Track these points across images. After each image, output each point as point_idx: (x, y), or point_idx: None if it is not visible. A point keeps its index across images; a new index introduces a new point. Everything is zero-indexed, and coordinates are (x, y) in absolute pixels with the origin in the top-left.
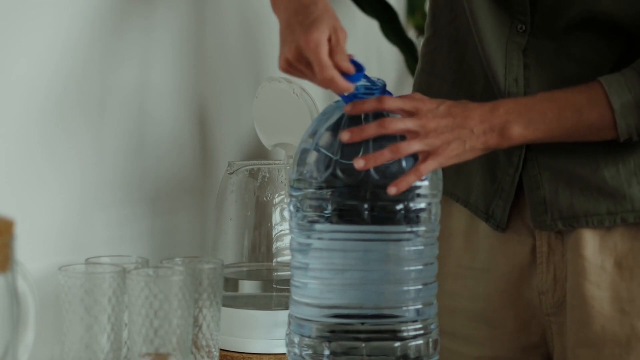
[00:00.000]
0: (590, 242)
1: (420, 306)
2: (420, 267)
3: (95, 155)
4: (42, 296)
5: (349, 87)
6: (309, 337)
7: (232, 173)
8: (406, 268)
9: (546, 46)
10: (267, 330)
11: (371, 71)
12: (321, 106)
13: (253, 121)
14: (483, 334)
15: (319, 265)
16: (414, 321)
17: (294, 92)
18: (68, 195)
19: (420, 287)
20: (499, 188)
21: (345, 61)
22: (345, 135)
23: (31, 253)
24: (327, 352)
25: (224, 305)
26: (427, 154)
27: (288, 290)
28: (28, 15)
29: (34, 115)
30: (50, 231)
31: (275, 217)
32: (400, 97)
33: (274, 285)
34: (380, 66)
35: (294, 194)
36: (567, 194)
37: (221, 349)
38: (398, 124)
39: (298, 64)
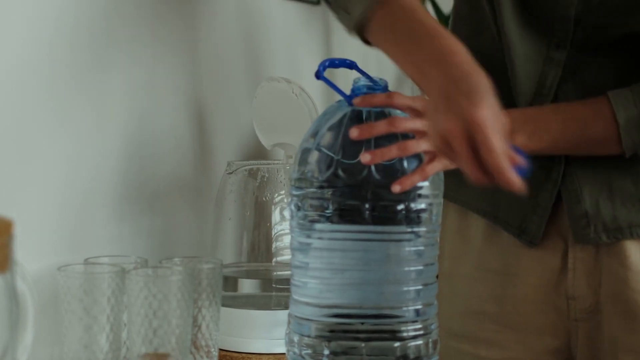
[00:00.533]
0: (633, 251)
1: (420, 306)
2: (421, 267)
3: (94, 155)
4: (41, 296)
5: (519, 185)
6: (309, 336)
7: (231, 173)
8: (406, 268)
9: (585, 61)
10: (267, 330)
11: (370, 71)
12: (321, 106)
13: (252, 121)
14: (507, 337)
15: (319, 265)
16: (414, 321)
17: (293, 92)
18: (67, 196)
19: (420, 287)
20: (535, 204)
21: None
22: (354, 132)
23: (30, 253)
24: (326, 352)
25: (223, 305)
26: (434, 155)
27: (287, 290)
28: (27, 11)
29: (31, 114)
30: (49, 231)
31: (275, 217)
32: (410, 96)
33: (273, 285)
34: (379, 66)
35: (295, 193)
36: (608, 206)
37: (220, 349)
38: (407, 123)
39: (459, 142)
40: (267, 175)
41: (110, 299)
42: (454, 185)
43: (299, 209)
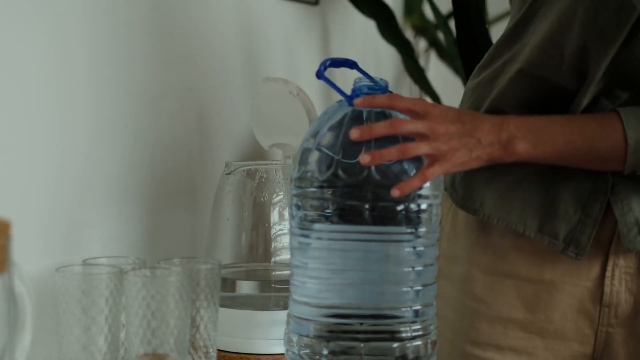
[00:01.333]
0: None
1: (419, 307)
2: (420, 268)
3: (92, 156)
4: (39, 297)
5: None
6: (308, 336)
7: (230, 173)
8: (406, 269)
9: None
10: (265, 330)
11: (369, 71)
12: (320, 107)
13: (250, 122)
14: (535, 344)
15: (318, 265)
16: (413, 322)
17: (291, 93)
18: (65, 197)
19: (419, 288)
20: (585, 215)
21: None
22: (354, 133)
23: (28, 254)
24: (325, 352)
25: (221, 306)
26: (434, 159)
27: (286, 290)
28: (29, 18)
29: (28, 117)
30: (47, 232)
31: (273, 217)
32: (411, 98)
33: (272, 285)
34: (377, 66)
35: (295, 193)
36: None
37: (219, 350)
38: (408, 125)
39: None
40: (265, 175)
41: (108, 299)
42: (492, 202)
43: (298, 208)
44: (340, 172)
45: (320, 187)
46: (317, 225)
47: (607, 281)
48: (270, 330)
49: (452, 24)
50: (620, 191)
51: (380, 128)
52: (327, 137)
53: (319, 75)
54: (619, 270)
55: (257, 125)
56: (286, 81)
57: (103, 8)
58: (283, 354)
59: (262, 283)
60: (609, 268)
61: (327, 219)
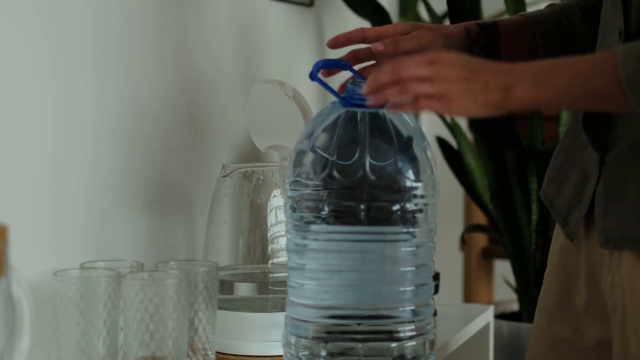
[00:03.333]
0: (636, 262)
1: (415, 307)
2: (416, 267)
3: (89, 159)
4: (37, 301)
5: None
6: (306, 337)
7: (226, 176)
8: (402, 269)
9: None
10: (263, 332)
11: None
12: (316, 108)
13: (246, 124)
14: (568, 317)
15: (315, 266)
16: (410, 322)
17: (286, 94)
18: (62, 201)
19: (415, 287)
20: (580, 199)
21: None
22: (364, 89)
23: (26, 258)
24: (323, 353)
25: (219, 308)
26: (436, 99)
27: (284, 292)
28: (32, 20)
29: (27, 122)
30: (44, 237)
31: (270, 219)
32: (415, 60)
33: (270, 287)
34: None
35: (291, 194)
36: (615, 215)
37: (217, 352)
38: (411, 70)
39: None
40: (262, 177)
41: (106, 303)
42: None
43: (294, 210)
44: (335, 173)
45: (316, 188)
46: (313, 227)
47: (605, 269)
48: (268, 332)
49: (447, 24)
50: (601, 184)
51: (385, 76)
52: (321, 139)
53: (312, 77)
54: (610, 259)
55: (253, 128)
56: (281, 83)
57: (95, 10)
58: (281, 355)
59: (260, 285)
60: (604, 255)
61: (323, 220)
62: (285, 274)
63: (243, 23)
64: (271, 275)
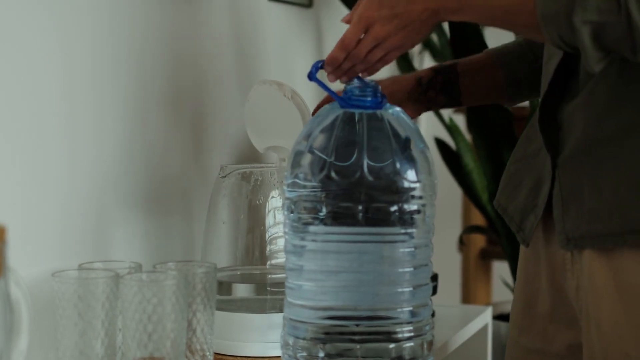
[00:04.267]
0: (596, 259)
1: (414, 308)
2: (414, 268)
3: (88, 161)
4: (35, 302)
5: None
6: (304, 339)
7: (225, 176)
8: (400, 270)
9: None
10: (262, 333)
11: (363, 73)
12: (310, 109)
13: (244, 124)
14: (536, 327)
15: (313, 267)
16: (409, 323)
17: (285, 95)
18: (60, 202)
19: (413, 288)
20: (535, 205)
21: None
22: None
23: (24, 259)
24: (321, 354)
25: (218, 309)
26: (377, 45)
27: (282, 293)
28: (29, 20)
29: (24, 123)
30: (42, 237)
31: (269, 220)
32: (353, 32)
33: (268, 288)
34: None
35: (289, 196)
36: (574, 215)
37: (215, 353)
38: (349, 35)
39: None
40: (260, 178)
41: (104, 304)
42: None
43: (292, 211)
44: (333, 174)
45: (313, 189)
46: (311, 228)
47: (570, 274)
48: (266, 333)
49: (445, 25)
50: (556, 186)
51: (337, 53)
52: (319, 140)
53: (311, 77)
54: (572, 263)
55: (251, 128)
56: (280, 83)
57: (92, 11)
58: (279, 356)
59: (258, 286)
60: (567, 260)
61: (321, 221)
62: (284, 275)
63: (242, 24)
64: (269, 276)
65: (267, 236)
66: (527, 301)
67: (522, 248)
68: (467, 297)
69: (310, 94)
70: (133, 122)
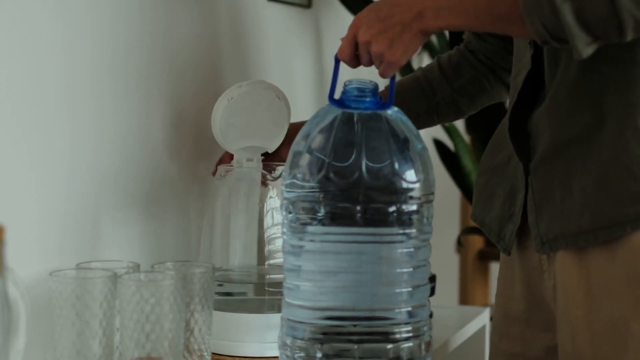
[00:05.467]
0: (569, 259)
1: (412, 308)
2: (413, 269)
3: (85, 161)
4: (33, 302)
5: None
6: (302, 339)
7: (222, 177)
8: (398, 270)
9: None
10: (259, 333)
11: (360, 73)
12: (313, 108)
13: (215, 121)
14: (515, 331)
15: (311, 268)
16: (407, 323)
17: (277, 96)
18: (58, 202)
19: (412, 289)
20: (512, 213)
21: None
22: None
23: (22, 259)
24: (319, 355)
25: (216, 309)
26: (381, 61)
27: (280, 294)
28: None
29: (21, 122)
30: (41, 237)
31: (266, 220)
32: (345, 41)
33: (266, 289)
34: (370, 69)
35: (287, 196)
36: (547, 218)
37: (213, 353)
38: (344, 50)
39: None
40: (257, 178)
41: (102, 303)
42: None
43: (290, 212)
44: (331, 175)
45: (312, 190)
46: (309, 228)
47: (546, 274)
48: (264, 334)
49: None
50: (529, 192)
51: (340, 55)
52: (318, 140)
53: (337, 60)
54: (549, 265)
55: (226, 127)
56: (271, 84)
57: (90, 12)
58: (277, 357)
59: (256, 286)
60: (543, 261)
61: (319, 221)
62: (281, 275)
63: (240, 24)
64: (267, 276)
65: (264, 236)
66: (504, 307)
67: (501, 256)
68: (465, 298)
69: (310, 95)
70: (131, 122)
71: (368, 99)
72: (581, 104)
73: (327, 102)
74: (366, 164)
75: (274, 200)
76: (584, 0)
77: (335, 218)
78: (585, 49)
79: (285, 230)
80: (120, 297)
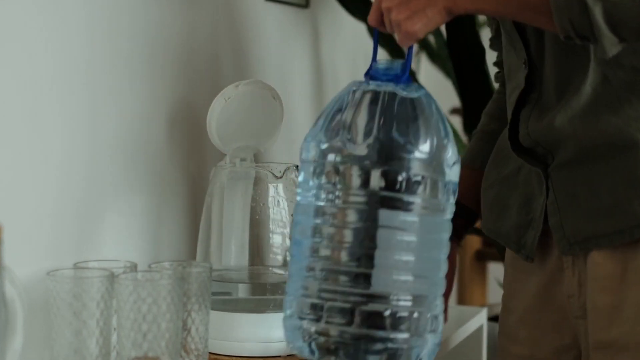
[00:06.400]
0: (601, 254)
1: (415, 278)
2: (415, 239)
3: (84, 161)
4: (30, 301)
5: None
6: (308, 298)
7: (221, 176)
8: (405, 238)
9: None
10: (256, 332)
11: (359, 74)
12: (311, 109)
13: (211, 121)
14: (523, 334)
15: (325, 229)
16: (406, 292)
17: (272, 97)
18: (56, 201)
19: (415, 259)
20: (532, 219)
21: None
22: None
23: (19, 258)
24: (323, 314)
25: (213, 309)
26: (399, 31)
27: (279, 293)
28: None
29: (17, 121)
30: (38, 236)
31: (266, 219)
32: (374, 3)
33: (265, 288)
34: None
35: (306, 158)
36: (573, 219)
37: (210, 352)
38: (371, 16)
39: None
40: (258, 177)
41: (99, 303)
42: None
43: (309, 177)
44: (350, 144)
45: (326, 155)
46: (322, 193)
47: (567, 272)
48: (261, 333)
49: (442, 26)
50: (552, 195)
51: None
52: (341, 113)
53: (372, 30)
54: (573, 260)
55: (221, 126)
56: (266, 84)
57: (88, 14)
58: (274, 356)
59: (254, 286)
60: (565, 258)
61: (333, 185)
62: (281, 274)
63: (238, 24)
64: (265, 275)
65: (263, 235)
66: (513, 309)
67: (506, 259)
68: (463, 298)
69: (307, 95)
70: (128, 122)
71: (394, 73)
72: (603, 108)
73: (325, 101)
74: (383, 135)
75: (273, 198)
76: (615, 3)
77: (350, 187)
78: (612, 49)
79: (300, 192)
80: (117, 296)
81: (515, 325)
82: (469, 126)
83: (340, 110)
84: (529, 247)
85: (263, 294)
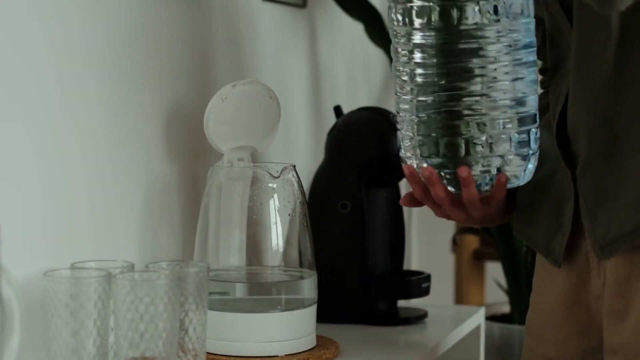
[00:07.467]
0: (621, 254)
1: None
2: (512, 56)
3: (81, 160)
4: (27, 301)
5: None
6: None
7: (214, 176)
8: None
9: None
10: (254, 333)
11: (357, 74)
12: (309, 109)
13: (208, 120)
14: (550, 335)
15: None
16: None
17: (270, 97)
18: (53, 200)
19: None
20: (560, 224)
21: None
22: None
23: (16, 258)
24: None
25: (211, 309)
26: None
27: (277, 293)
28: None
29: (21, 122)
30: (35, 236)
31: (264, 219)
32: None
33: (263, 288)
34: (366, 69)
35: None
36: (601, 221)
37: (208, 352)
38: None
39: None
40: (255, 177)
41: (96, 303)
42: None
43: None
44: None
45: None
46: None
47: (594, 272)
48: (259, 333)
49: None
50: (582, 200)
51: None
52: None
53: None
54: (599, 261)
55: (219, 125)
56: (264, 84)
57: (86, 14)
58: (272, 356)
59: (252, 286)
60: (591, 258)
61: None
62: (279, 274)
63: (235, 24)
64: (263, 275)
65: (261, 236)
66: (541, 310)
67: (537, 256)
68: (460, 297)
69: (304, 95)
70: (124, 121)
71: None
72: (620, 105)
73: (322, 101)
74: None
75: (270, 199)
76: None
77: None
78: (623, 2)
79: (395, 36)
80: (114, 296)
81: (541, 325)
82: None
83: None
84: (558, 252)
85: (261, 294)
